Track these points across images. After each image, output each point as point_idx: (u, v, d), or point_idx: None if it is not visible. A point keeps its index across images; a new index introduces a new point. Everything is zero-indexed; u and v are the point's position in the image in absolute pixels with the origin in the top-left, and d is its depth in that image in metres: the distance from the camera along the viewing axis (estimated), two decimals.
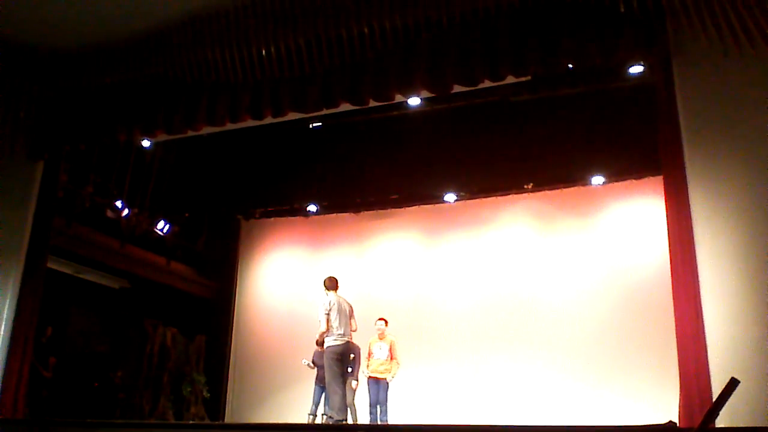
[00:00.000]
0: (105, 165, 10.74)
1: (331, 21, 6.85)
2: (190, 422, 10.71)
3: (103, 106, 8.02)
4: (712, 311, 5.48)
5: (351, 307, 8.03)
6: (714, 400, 2.54)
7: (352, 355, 8.99)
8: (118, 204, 10.91)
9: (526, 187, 10.99)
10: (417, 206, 11.84)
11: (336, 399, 7.67)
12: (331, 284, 8.02)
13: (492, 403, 10.10)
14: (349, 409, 8.62)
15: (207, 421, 11.22)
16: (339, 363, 7.74)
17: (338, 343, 7.74)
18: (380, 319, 9.42)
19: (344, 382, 7.89)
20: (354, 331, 8.03)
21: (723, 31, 5.67)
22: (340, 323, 7.75)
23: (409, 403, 9.89)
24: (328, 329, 7.68)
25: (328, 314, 7.71)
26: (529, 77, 6.79)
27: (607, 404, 9.51)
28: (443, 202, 11.51)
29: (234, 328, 12.58)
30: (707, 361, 5.35)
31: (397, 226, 11.98)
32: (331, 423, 7.68)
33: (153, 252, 11.84)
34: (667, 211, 6.15)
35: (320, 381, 9.24)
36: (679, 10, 5.80)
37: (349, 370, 8.92)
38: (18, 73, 8.00)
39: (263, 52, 7.15)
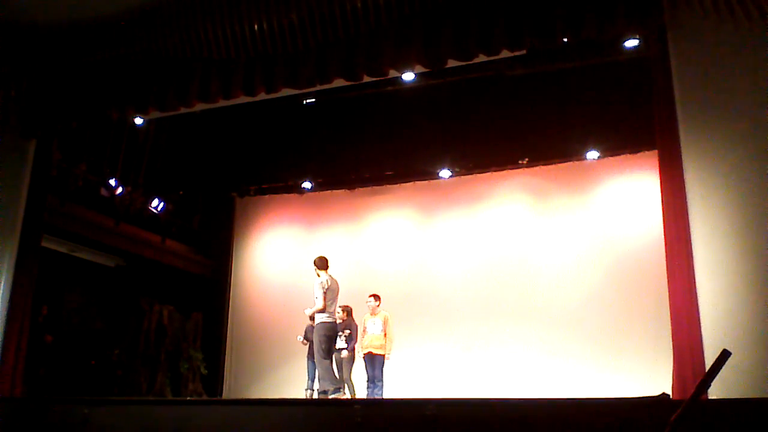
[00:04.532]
0: (98, 143, 10.67)
1: None
2: (188, 398, 10.79)
3: (96, 84, 7.95)
4: (705, 285, 5.52)
5: (338, 287, 8.22)
6: (706, 371, 2.59)
7: (348, 331, 9.08)
8: (112, 182, 10.87)
9: (521, 162, 10.98)
10: (412, 182, 11.82)
11: (325, 371, 7.93)
12: (323, 264, 8.20)
13: (486, 377, 10.18)
14: (346, 384, 8.77)
15: (205, 397, 11.30)
16: (328, 339, 8.04)
17: (330, 320, 8.04)
18: (371, 295, 9.44)
19: (331, 356, 8.22)
20: None
21: (718, 3, 5.63)
22: (333, 302, 7.96)
23: (405, 378, 9.97)
24: (324, 307, 7.86)
25: (325, 292, 7.87)
26: (524, 51, 6.75)
27: (601, 377, 9.61)
28: (438, 178, 11.49)
29: (230, 305, 12.62)
30: (700, 334, 5.41)
31: (392, 203, 11.98)
32: (329, 396, 7.81)
33: (148, 230, 11.82)
34: (661, 186, 6.16)
35: (312, 356, 9.37)
36: None
37: (346, 345, 9.02)
38: (9, 50, 7.91)
39: (256, 27, 7.08)
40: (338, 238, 11.97)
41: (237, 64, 7.32)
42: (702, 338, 5.39)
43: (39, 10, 7.62)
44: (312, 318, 9.21)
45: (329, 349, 8.13)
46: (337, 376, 8.33)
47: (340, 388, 7.98)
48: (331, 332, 8.08)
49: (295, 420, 5.63)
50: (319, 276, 8.10)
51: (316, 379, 9.38)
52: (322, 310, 7.94)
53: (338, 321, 8.58)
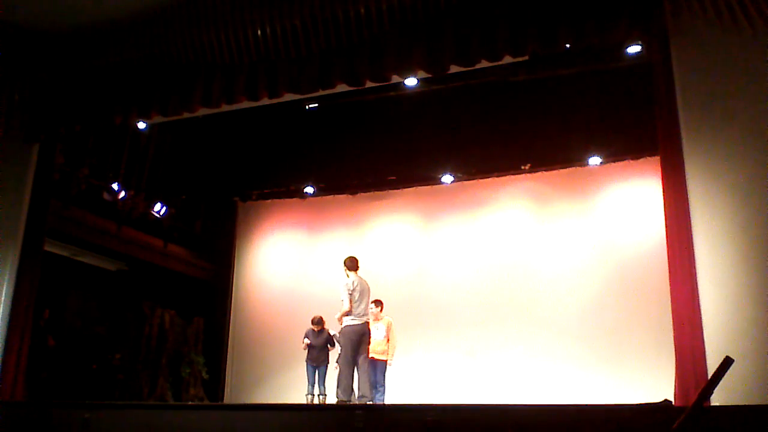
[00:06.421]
0: (101, 147, 10.69)
1: (327, 1, 6.81)
2: (189, 403, 10.78)
3: (99, 88, 7.98)
4: (707, 291, 5.52)
5: (369, 287, 8.10)
6: (708, 378, 2.58)
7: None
8: (115, 186, 10.87)
9: (523, 167, 10.97)
10: (414, 187, 11.81)
11: (344, 381, 7.73)
12: (353, 264, 8.07)
13: (488, 382, 10.17)
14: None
15: (206, 402, 11.29)
16: (355, 344, 7.77)
17: (358, 323, 7.80)
18: (373, 301, 9.35)
19: (355, 365, 7.86)
20: None
21: (721, 10, 5.64)
22: (361, 303, 7.82)
23: (407, 384, 9.95)
24: (350, 309, 7.74)
25: (351, 294, 7.76)
26: (526, 57, 6.76)
27: (603, 382, 9.58)
28: (440, 183, 11.48)
29: (232, 309, 12.60)
30: (703, 341, 5.40)
31: (394, 208, 11.97)
32: (336, 402, 7.73)
33: (150, 234, 11.82)
34: (664, 192, 6.16)
35: (313, 361, 9.35)
36: None
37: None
38: (13, 54, 7.94)
39: (259, 33, 7.11)
40: (340, 243, 11.95)
41: (240, 68, 7.35)
42: (704, 344, 5.38)
43: (43, 14, 7.65)
44: (315, 322, 9.28)
45: (352, 357, 7.79)
46: (354, 390, 7.89)
47: (347, 400, 7.78)
48: (356, 336, 7.78)
49: (296, 425, 5.62)
50: (348, 276, 7.98)
51: (316, 384, 9.37)
52: (348, 313, 7.82)
53: (366, 323, 8.09)
